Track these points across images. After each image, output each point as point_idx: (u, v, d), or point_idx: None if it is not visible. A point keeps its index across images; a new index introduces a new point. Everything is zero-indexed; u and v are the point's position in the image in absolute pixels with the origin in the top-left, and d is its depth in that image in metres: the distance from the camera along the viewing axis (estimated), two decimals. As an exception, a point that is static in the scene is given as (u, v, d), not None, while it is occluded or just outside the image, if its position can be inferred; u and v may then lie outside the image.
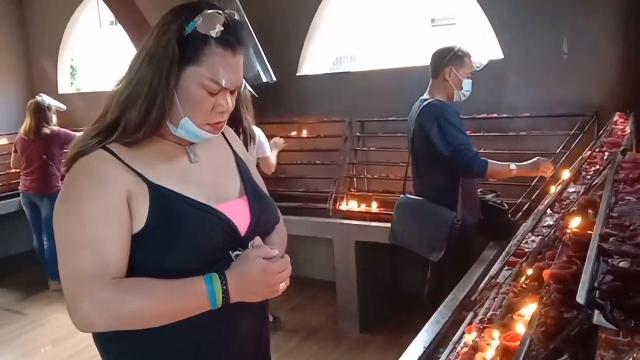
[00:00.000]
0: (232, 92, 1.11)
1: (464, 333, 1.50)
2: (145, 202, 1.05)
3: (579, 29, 3.35)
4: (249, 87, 1.19)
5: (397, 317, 3.73)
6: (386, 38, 13.34)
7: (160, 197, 1.06)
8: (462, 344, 1.45)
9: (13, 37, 5.96)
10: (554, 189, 2.64)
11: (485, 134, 3.50)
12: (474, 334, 1.42)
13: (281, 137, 3.82)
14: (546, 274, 1.07)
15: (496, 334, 1.32)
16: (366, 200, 4.01)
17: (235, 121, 1.24)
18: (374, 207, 3.90)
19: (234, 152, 1.28)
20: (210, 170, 1.18)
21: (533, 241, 1.96)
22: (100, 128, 1.09)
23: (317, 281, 4.44)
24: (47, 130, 4.40)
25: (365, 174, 4.21)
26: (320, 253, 4.33)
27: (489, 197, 2.86)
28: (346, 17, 4.90)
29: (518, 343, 1.04)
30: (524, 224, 2.27)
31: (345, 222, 3.75)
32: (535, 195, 3.23)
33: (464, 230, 2.56)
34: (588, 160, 2.41)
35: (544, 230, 1.97)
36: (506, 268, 1.88)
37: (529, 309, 1.28)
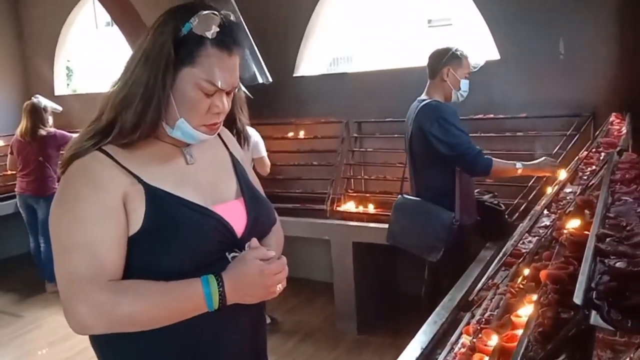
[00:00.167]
0: (227, 93, 1.11)
1: (461, 334, 1.50)
2: (141, 204, 1.05)
3: (575, 29, 3.36)
4: (243, 88, 1.18)
5: (394, 318, 3.74)
6: (383, 38, 13.35)
7: (156, 198, 1.06)
8: (459, 345, 1.46)
9: (9, 38, 5.94)
10: (550, 190, 2.65)
11: (482, 134, 3.51)
12: (472, 335, 1.42)
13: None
14: (543, 274, 1.07)
15: (493, 334, 1.33)
16: (363, 201, 4.01)
17: (229, 122, 1.23)
18: (371, 208, 3.90)
19: (230, 153, 1.28)
20: (207, 172, 1.18)
21: (530, 241, 1.96)
22: (95, 129, 1.08)
23: (314, 282, 4.44)
24: (43, 132, 4.38)
25: (362, 175, 4.21)
26: (318, 254, 4.33)
27: (486, 197, 2.86)
28: (343, 18, 4.90)
29: (515, 343, 1.04)
30: (521, 225, 2.28)
31: (343, 222, 3.75)
32: (532, 195, 3.24)
33: (461, 231, 2.56)
34: (584, 161, 2.42)
35: (541, 231, 1.98)
36: (503, 268, 1.88)
37: (526, 309, 1.28)
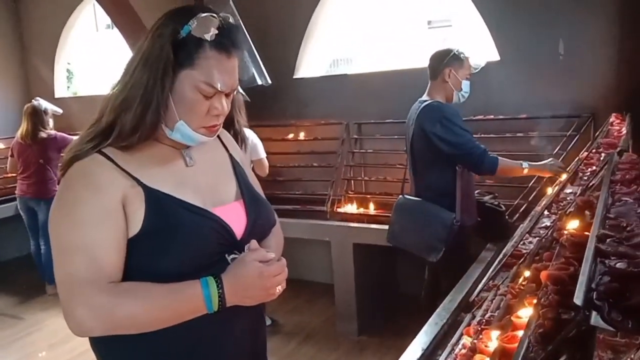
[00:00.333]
0: (227, 95, 1.11)
1: (462, 335, 1.50)
2: (141, 206, 1.05)
3: (574, 30, 3.36)
4: (241, 90, 1.19)
5: (395, 319, 3.73)
6: (383, 40, 13.36)
7: (156, 200, 1.06)
8: (460, 346, 1.46)
9: (9, 40, 5.95)
10: (550, 190, 2.65)
11: (482, 135, 3.51)
12: (472, 336, 1.42)
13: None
14: (543, 275, 1.07)
15: (494, 335, 1.32)
16: (363, 202, 4.01)
17: (227, 123, 1.23)
18: (372, 209, 3.90)
19: (230, 155, 1.28)
20: (206, 174, 1.18)
21: (530, 242, 1.96)
22: (95, 132, 1.08)
23: (314, 283, 4.44)
24: (43, 134, 4.39)
25: (363, 176, 4.21)
26: (318, 255, 4.33)
27: (486, 198, 2.86)
28: (343, 19, 4.90)
29: (516, 344, 1.04)
30: (521, 225, 2.28)
31: (343, 224, 3.75)
32: (532, 196, 3.24)
33: (461, 232, 2.56)
34: (584, 161, 2.42)
35: (541, 232, 1.98)
36: (503, 269, 1.88)
37: (527, 310, 1.28)
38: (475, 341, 1.37)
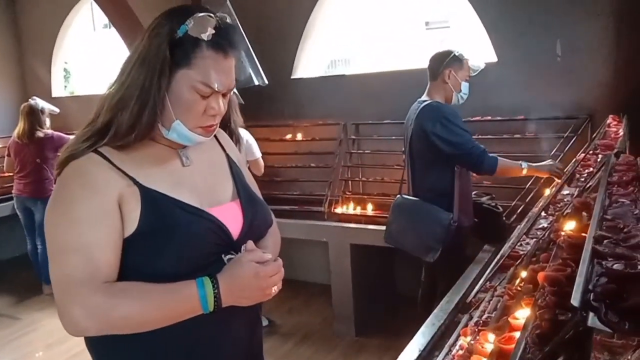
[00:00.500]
0: (224, 95, 1.11)
1: (459, 336, 1.50)
2: (137, 206, 1.05)
3: (572, 31, 3.37)
4: (235, 92, 1.18)
5: (392, 320, 3.73)
6: (380, 41, 13.35)
7: (152, 200, 1.06)
8: (457, 347, 1.46)
9: (6, 40, 5.93)
10: (547, 191, 2.65)
11: (480, 136, 3.51)
12: (470, 337, 1.42)
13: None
14: (540, 276, 1.07)
15: (491, 336, 1.33)
16: (361, 202, 4.01)
17: (222, 123, 1.23)
18: (369, 210, 3.90)
19: (227, 155, 1.28)
20: (203, 174, 1.18)
21: (527, 243, 1.96)
22: (91, 131, 1.08)
23: (312, 284, 4.43)
24: (40, 134, 4.38)
25: (360, 177, 4.21)
26: (315, 256, 4.33)
27: (484, 199, 2.86)
28: (341, 20, 4.90)
29: (513, 345, 1.04)
30: (518, 227, 2.28)
31: (340, 224, 3.75)
32: (530, 197, 3.24)
33: (458, 232, 2.56)
34: (582, 163, 2.42)
35: (538, 233, 1.98)
36: (501, 270, 1.89)
37: (524, 311, 1.28)
38: (472, 342, 1.37)
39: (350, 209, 3.98)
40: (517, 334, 1.11)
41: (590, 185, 1.78)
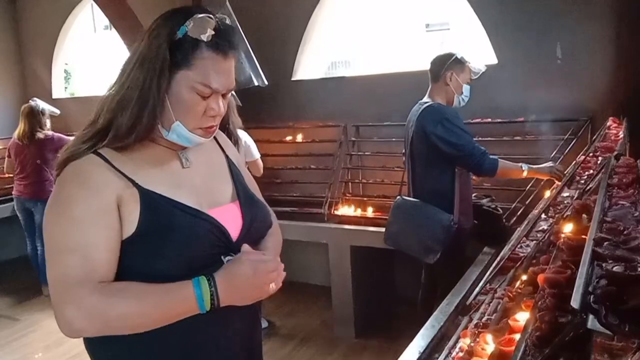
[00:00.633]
0: (223, 96, 1.11)
1: (459, 338, 1.50)
2: (136, 207, 1.04)
3: (572, 34, 3.37)
4: (233, 93, 1.18)
5: (392, 322, 3.73)
6: (381, 43, 13.36)
7: (151, 202, 1.06)
8: (457, 349, 1.45)
9: (6, 41, 5.94)
10: (548, 194, 2.65)
11: (480, 139, 3.51)
12: (469, 339, 1.42)
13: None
14: (540, 278, 1.07)
15: (491, 338, 1.32)
16: (361, 204, 4.01)
17: (221, 124, 1.23)
18: (369, 212, 3.90)
19: (226, 156, 1.28)
20: (202, 175, 1.18)
21: (527, 245, 1.96)
22: (91, 133, 1.08)
23: (312, 286, 4.43)
24: (40, 135, 4.38)
25: (360, 179, 4.21)
26: (315, 257, 4.32)
27: (484, 201, 2.87)
28: (341, 22, 4.91)
29: (513, 348, 1.03)
30: (518, 229, 2.28)
31: (340, 226, 3.74)
32: (530, 199, 3.24)
33: (459, 234, 2.56)
34: (582, 165, 2.42)
35: (538, 235, 1.98)
36: (501, 272, 1.88)
37: (524, 313, 1.28)
38: (472, 344, 1.37)
39: (350, 210, 3.98)
40: (517, 336, 1.10)
41: (590, 188, 1.78)
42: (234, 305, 1.06)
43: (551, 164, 2.72)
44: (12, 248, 5.50)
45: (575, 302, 0.72)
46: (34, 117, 4.37)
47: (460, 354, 1.39)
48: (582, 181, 2.17)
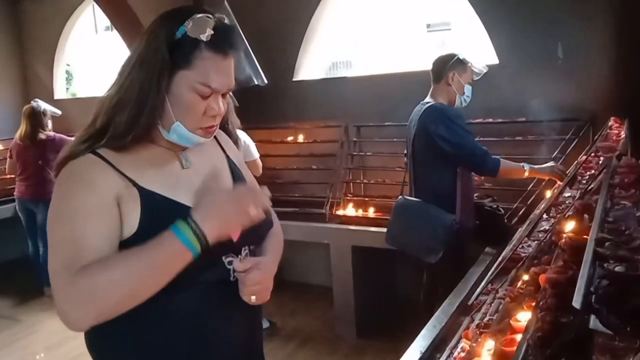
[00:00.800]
0: (223, 96, 1.11)
1: (460, 338, 1.50)
2: (136, 207, 1.04)
3: (573, 33, 3.36)
4: (230, 94, 1.18)
5: (393, 322, 3.72)
6: (382, 43, 13.37)
7: (151, 202, 1.05)
8: (458, 349, 1.45)
9: (8, 42, 5.95)
10: (549, 194, 2.65)
11: (481, 139, 3.50)
12: (471, 339, 1.42)
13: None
14: (542, 278, 1.07)
15: (492, 339, 1.32)
16: (362, 205, 4.01)
17: (220, 125, 1.23)
18: (371, 212, 3.89)
19: (227, 156, 1.28)
20: (202, 175, 1.17)
21: (529, 246, 1.96)
22: (90, 133, 1.08)
23: (313, 286, 4.43)
24: (42, 136, 4.39)
25: (362, 179, 4.21)
26: (317, 258, 4.32)
27: (486, 201, 2.86)
28: (342, 22, 4.92)
29: (514, 348, 1.03)
30: (520, 229, 2.27)
31: (342, 226, 3.74)
32: (531, 199, 3.24)
33: (460, 234, 2.56)
34: (583, 165, 2.42)
35: (540, 235, 1.97)
36: (502, 273, 1.88)
37: (525, 313, 1.28)
38: (473, 345, 1.37)
39: (351, 211, 3.97)
40: (519, 337, 1.10)
41: (592, 188, 1.77)
42: (234, 305, 1.06)
43: (553, 164, 2.72)
44: (13, 249, 5.49)
45: (577, 302, 0.72)
46: (35, 118, 4.38)
47: (462, 355, 1.39)
48: (584, 181, 2.17)
